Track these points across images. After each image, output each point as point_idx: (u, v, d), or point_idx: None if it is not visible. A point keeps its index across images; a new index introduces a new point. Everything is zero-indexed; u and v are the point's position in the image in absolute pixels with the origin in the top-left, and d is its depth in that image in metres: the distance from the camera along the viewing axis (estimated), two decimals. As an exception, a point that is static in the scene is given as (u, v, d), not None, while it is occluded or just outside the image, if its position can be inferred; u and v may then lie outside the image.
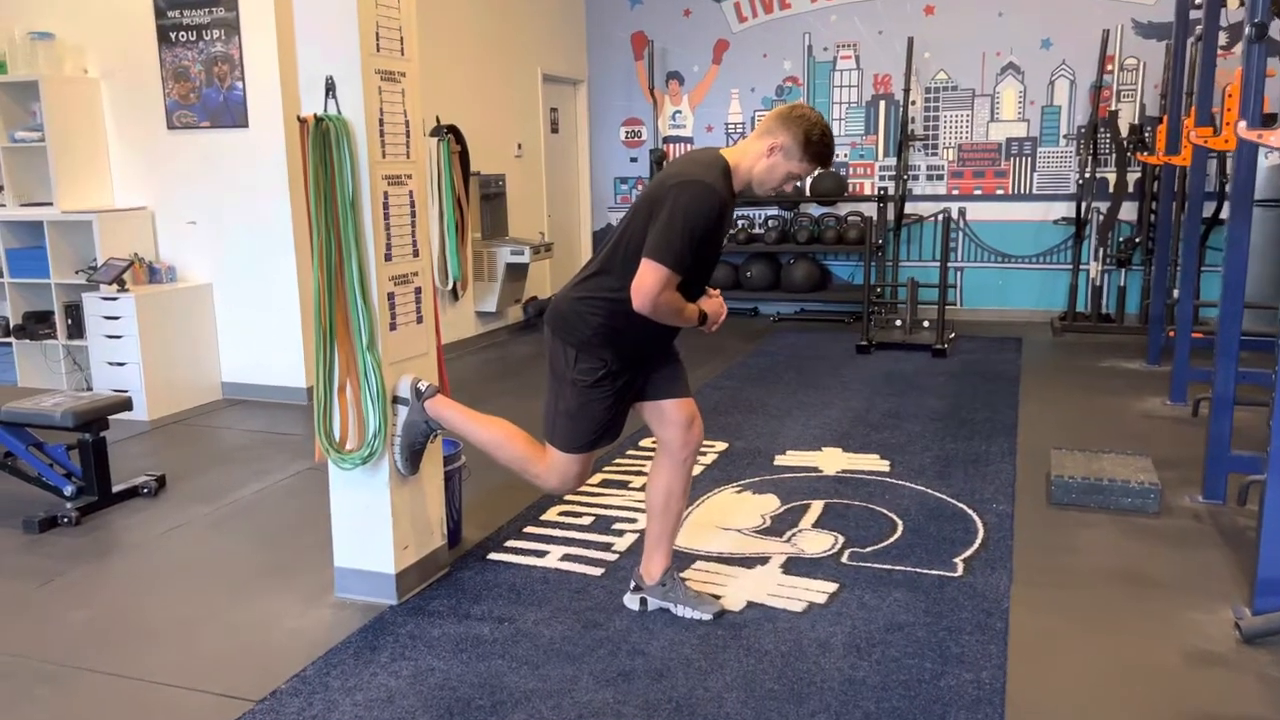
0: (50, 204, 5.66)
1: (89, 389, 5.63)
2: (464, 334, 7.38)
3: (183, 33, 5.60)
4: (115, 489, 4.16)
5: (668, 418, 2.95)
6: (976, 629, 2.94)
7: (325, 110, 2.93)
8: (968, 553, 3.50)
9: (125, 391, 5.39)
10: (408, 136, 3.12)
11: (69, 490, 4.04)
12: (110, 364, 5.49)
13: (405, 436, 3.08)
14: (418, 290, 3.20)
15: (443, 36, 6.98)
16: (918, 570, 3.36)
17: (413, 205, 3.16)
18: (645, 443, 4.78)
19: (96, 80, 5.84)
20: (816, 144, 2.70)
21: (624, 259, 2.71)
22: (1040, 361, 6.73)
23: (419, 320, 3.22)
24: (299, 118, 2.88)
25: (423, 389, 3.07)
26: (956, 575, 3.31)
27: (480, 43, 7.53)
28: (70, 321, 5.72)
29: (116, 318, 5.42)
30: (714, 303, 2.86)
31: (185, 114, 5.71)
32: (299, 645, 2.93)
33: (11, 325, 5.87)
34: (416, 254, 3.19)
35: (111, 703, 2.67)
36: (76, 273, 5.69)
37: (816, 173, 2.73)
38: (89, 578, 3.46)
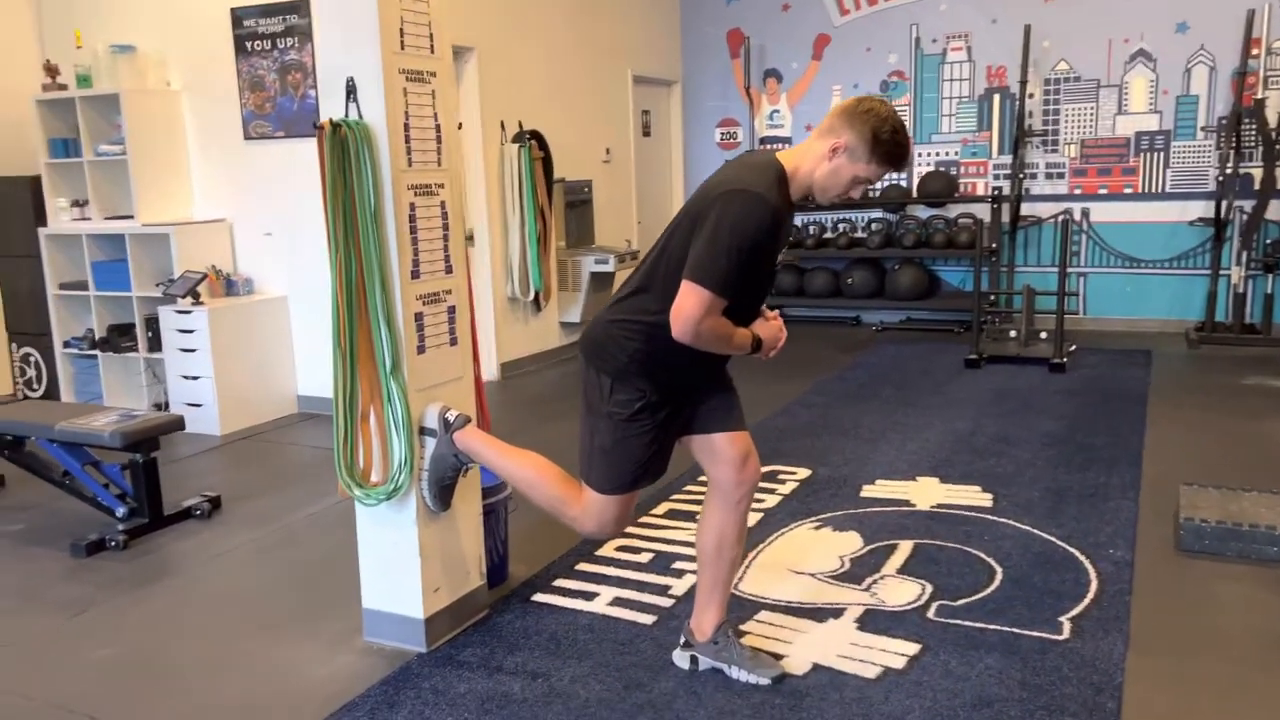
0: (131, 217, 5.67)
1: (166, 403, 5.60)
2: (547, 345, 7.14)
3: (258, 41, 5.52)
4: (168, 511, 4.04)
5: (719, 454, 2.61)
6: (1082, 709, 2.49)
7: (347, 115, 2.69)
8: (1076, 609, 3.03)
9: (199, 405, 5.36)
10: (439, 142, 2.85)
11: (121, 511, 3.94)
12: (185, 378, 5.44)
13: (433, 471, 2.81)
14: (451, 310, 2.93)
15: (528, 39, 6.76)
16: (1015, 630, 2.91)
17: (445, 218, 2.89)
18: (721, 468, 4.42)
19: (178, 92, 5.82)
20: (886, 143, 2.30)
21: (664, 277, 2.38)
22: (1172, 378, 6.07)
23: (452, 342, 2.95)
24: (314, 124, 2.65)
25: (451, 419, 2.79)
26: (1061, 638, 2.85)
27: (567, 45, 7.29)
28: (150, 334, 5.71)
29: (190, 331, 5.37)
30: (770, 327, 2.50)
31: (261, 124, 5.63)
32: (316, 698, 2.69)
33: (97, 337, 5.90)
34: (450, 270, 2.92)
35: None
36: (156, 285, 5.67)
37: (892, 175, 2.36)
38: (122, 610, 3.31)
